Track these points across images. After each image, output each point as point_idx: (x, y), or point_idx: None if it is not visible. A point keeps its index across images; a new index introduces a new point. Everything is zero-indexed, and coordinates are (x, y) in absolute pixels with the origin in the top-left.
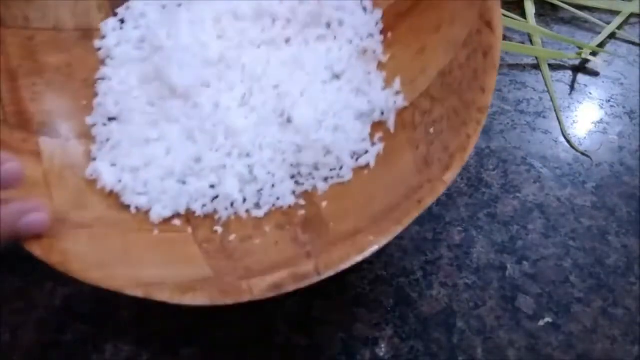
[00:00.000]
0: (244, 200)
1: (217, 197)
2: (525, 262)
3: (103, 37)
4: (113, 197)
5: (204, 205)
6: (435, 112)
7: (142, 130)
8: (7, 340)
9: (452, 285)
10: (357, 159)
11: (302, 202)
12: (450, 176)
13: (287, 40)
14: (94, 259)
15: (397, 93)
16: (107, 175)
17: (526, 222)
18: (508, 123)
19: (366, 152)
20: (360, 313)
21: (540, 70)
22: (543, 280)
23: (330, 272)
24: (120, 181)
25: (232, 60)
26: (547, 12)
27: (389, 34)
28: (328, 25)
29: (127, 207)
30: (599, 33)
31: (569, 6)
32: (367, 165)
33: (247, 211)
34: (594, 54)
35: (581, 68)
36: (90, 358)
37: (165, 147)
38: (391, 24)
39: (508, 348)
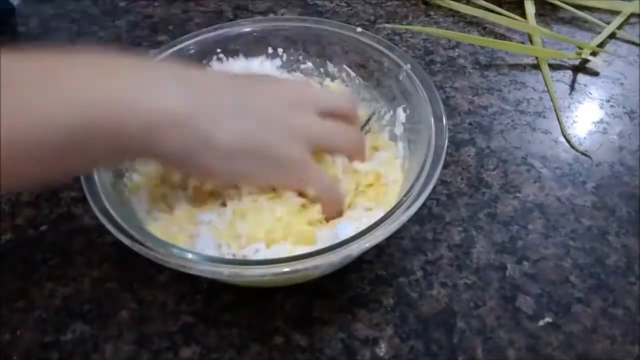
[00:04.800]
0: None
1: None
2: (525, 262)
3: None
4: None
5: None
6: None
7: None
8: (7, 339)
9: (452, 285)
10: None
11: None
12: None
13: None
14: None
15: None
16: None
17: (526, 222)
18: (508, 123)
19: None
20: (360, 313)
21: (540, 70)
22: (543, 280)
23: None
24: None
25: None
26: (547, 12)
27: None
28: None
29: None
30: (599, 33)
31: (569, 6)
32: None
33: None
34: (594, 54)
35: (581, 68)
36: (90, 358)
37: None
38: None
39: (508, 348)
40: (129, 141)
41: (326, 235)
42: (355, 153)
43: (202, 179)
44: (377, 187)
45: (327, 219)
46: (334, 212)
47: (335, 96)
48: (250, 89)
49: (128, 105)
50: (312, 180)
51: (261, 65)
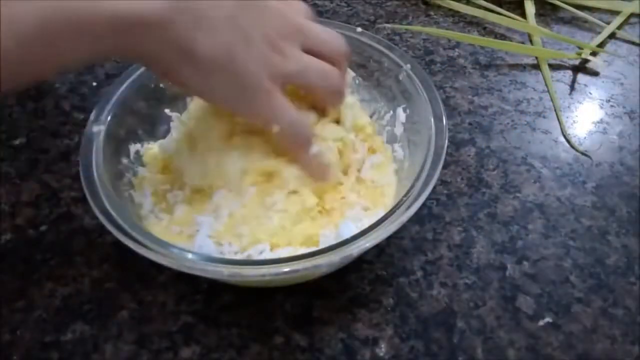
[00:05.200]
0: None
1: None
2: (525, 262)
3: None
4: None
5: None
6: None
7: None
8: (7, 339)
9: (452, 285)
10: None
11: None
12: None
13: None
14: None
15: None
16: None
17: (526, 222)
18: (508, 123)
19: None
20: (360, 313)
21: (540, 70)
22: (543, 280)
23: None
24: None
25: None
26: (547, 12)
27: None
28: None
29: None
30: (599, 33)
31: (569, 6)
32: None
33: None
34: (594, 54)
35: (581, 68)
36: (90, 358)
37: None
38: None
39: (508, 348)
40: (98, 40)
41: (329, 235)
42: (332, 96)
43: (175, 85)
44: (372, 189)
45: (290, 157)
46: (301, 153)
47: (329, 34)
48: (244, 3)
49: (96, 2)
50: (276, 111)
51: None
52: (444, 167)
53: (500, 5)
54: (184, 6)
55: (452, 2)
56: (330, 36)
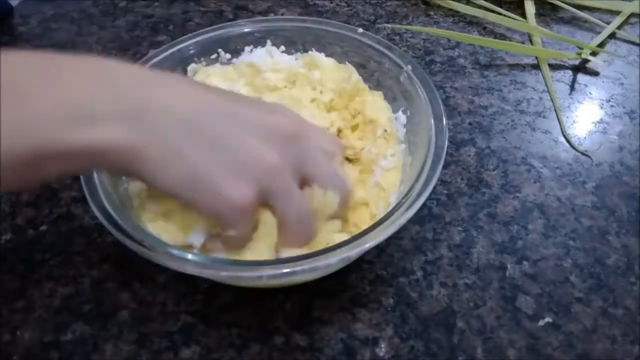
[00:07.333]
0: None
1: None
2: (525, 262)
3: None
4: None
5: None
6: None
7: None
8: (7, 339)
9: (452, 285)
10: None
11: None
12: None
13: None
14: None
15: None
16: None
17: (526, 222)
18: (508, 123)
19: None
20: (360, 313)
21: (540, 70)
22: (543, 280)
23: None
24: None
25: None
26: (547, 12)
27: None
28: None
29: None
30: (599, 33)
31: (569, 6)
32: None
33: None
34: (594, 54)
35: (581, 68)
36: (90, 358)
37: None
38: None
39: (508, 348)
40: (75, 163)
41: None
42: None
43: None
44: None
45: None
46: (296, 242)
47: (321, 144)
48: (224, 107)
49: (68, 134)
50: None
51: (268, 52)
52: (444, 167)
53: (500, 5)
54: (146, 134)
55: (452, 2)
56: (323, 142)
